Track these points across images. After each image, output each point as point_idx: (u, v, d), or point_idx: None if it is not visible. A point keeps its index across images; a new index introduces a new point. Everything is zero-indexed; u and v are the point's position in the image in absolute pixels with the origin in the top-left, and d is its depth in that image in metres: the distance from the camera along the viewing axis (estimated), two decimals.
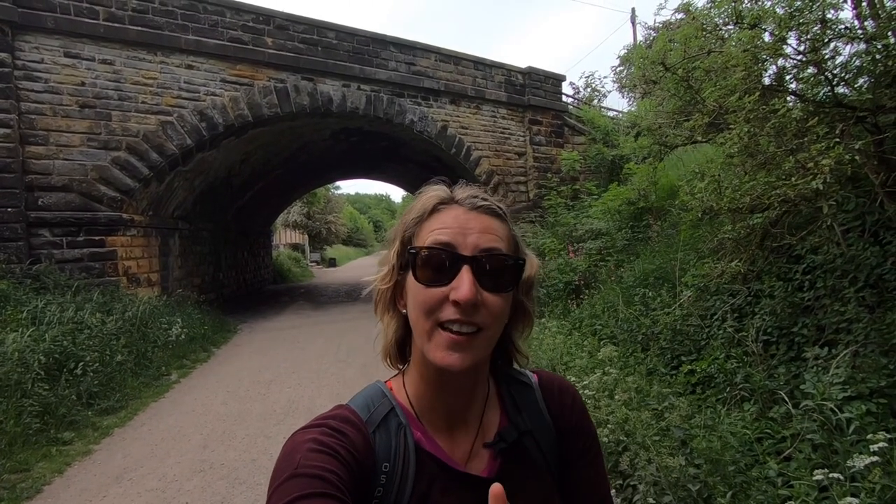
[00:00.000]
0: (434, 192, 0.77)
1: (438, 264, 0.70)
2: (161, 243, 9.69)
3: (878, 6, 3.80)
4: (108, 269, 8.02)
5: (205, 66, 9.07)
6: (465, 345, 0.68)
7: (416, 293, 0.72)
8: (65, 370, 5.33)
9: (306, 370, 6.98)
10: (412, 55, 11.64)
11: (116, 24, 8.17)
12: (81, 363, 5.45)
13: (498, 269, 0.71)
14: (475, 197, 0.76)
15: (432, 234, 0.72)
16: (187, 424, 5.10)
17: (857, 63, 3.79)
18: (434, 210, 0.75)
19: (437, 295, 0.69)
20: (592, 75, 29.89)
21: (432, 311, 0.70)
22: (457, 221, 0.73)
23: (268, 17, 9.78)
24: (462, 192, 0.77)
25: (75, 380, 5.31)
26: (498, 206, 0.77)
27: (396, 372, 0.84)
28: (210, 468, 4.12)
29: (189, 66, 8.90)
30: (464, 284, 0.68)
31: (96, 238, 7.92)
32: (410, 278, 0.73)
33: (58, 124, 7.73)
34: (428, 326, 0.70)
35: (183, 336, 7.78)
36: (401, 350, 0.81)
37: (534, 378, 0.89)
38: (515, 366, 0.88)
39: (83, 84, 7.95)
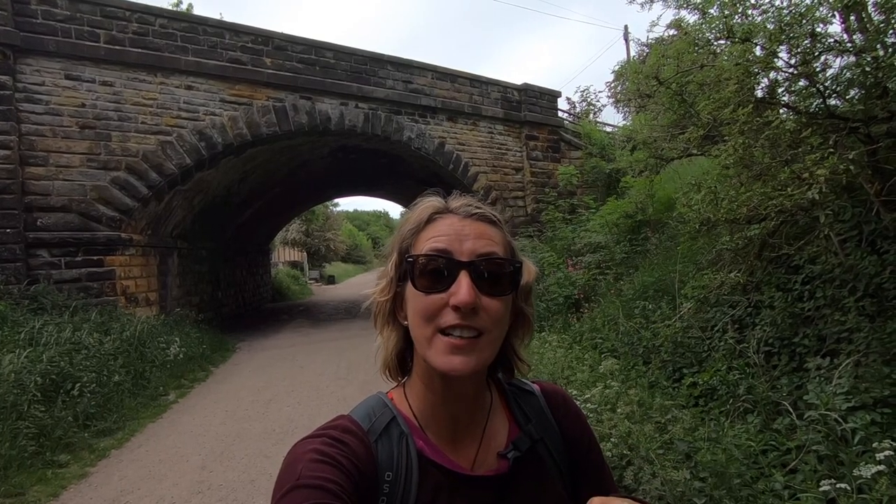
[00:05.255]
0: (429, 202, 0.78)
1: (436, 271, 0.71)
2: (160, 262, 9.67)
3: (866, 20, 3.88)
4: (106, 288, 7.99)
5: (204, 87, 9.16)
6: (467, 348, 0.68)
7: (416, 301, 0.72)
8: (61, 391, 5.27)
9: (306, 388, 6.92)
10: (409, 73, 11.79)
11: (117, 47, 8.28)
12: (78, 384, 5.39)
13: (495, 274, 0.72)
14: (469, 205, 0.77)
15: (429, 243, 0.73)
16: (185, 445, 5.03)
17: (848, 75, 3.85)
18: (430, 220, 0.76)
19: (437, 302, 0.70)
20: (588, 90, 30.24)
21: (432, 317, 0.70)
22: (452, 229, 0.74)
23: (266, 38, 9.91)
24: (456, 201, 0.78)
25: (72, 401, 5.25)
26: (492, 214, 0.78)
27: (396, 384, 0.84)
28: (209, 489, 4.05)
29: (189, 87, 9.00)
30: (462, 289, 0.68)
31: (95, 258, 7.91)
32: (409, 287, 0.74)
33: (58, 145, 7.78)
34: (428, 333, 0.70)
35: (181, 355, 7.72)
36: (401, 362, 0.81)
37: (535, 387, 0.89)
38: (517, 375, 0.87)
39: (83, 105, 8.02)
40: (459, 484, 0.74)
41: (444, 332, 0.69)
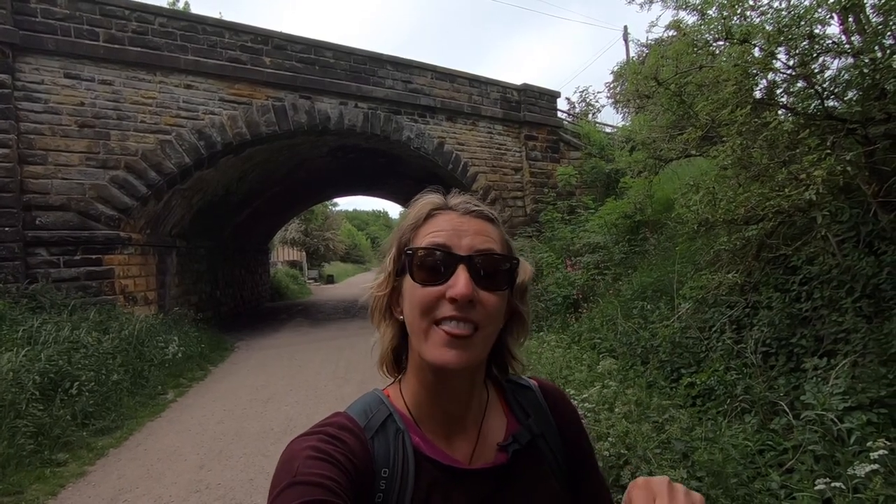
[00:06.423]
0: (428, 199, 0.80)
1: (435, 264, 0.72)
2: (158, 261, 9.67)
3: (864, 21, 3.89)
4: (104, 287, 7.98)
5: (203, 86, 9.16)
6: (463, 343, 0.69)
7: (413, 293, 0.73)
8: (60, 390, 5.26)
9: (304, 387, 6.92)
10: (408, 73, 11.79)
11: (116, 46, 8.27)
12: (77, 383, 5.39)
13: (492, 269, 0.73)
14: (468, 203, 0.79)
15: (428, 237, 0.74)
16: (183, 444, 5.03)
17: (846, 77, 3.86)
18: (429, 216, 0.78)
19: (434, 294, 0.71)
20: (587, 90, 30.30)
21: (429, 310, 0.71)
22: (451, 224, 0.75)
23: (266, 37, 9.91)
24: (455, 198, 0.80)
25: (70, 400, 5.25)
26: (490, 212, 0.80)
27: (392, 381, 0.84)
28: (207, 488, 4.05)
29: (188, 86, 8.99)
30: (460, 281, 0.69)
31: (93, 257, 7.90)
32: (407, 280, 0.75)
33: (56, 144, 7.77)
34: (425, 325, 0.71)
35: (179, 354, 7.72)
36: (396, 358, 0.82)
37: (533, 383, 0.90)
38: (512, 373, 0.88)
39: (82, 104, 8.01)
40: (456, 478, 0.75)
41: (440, 323, 0.70)
